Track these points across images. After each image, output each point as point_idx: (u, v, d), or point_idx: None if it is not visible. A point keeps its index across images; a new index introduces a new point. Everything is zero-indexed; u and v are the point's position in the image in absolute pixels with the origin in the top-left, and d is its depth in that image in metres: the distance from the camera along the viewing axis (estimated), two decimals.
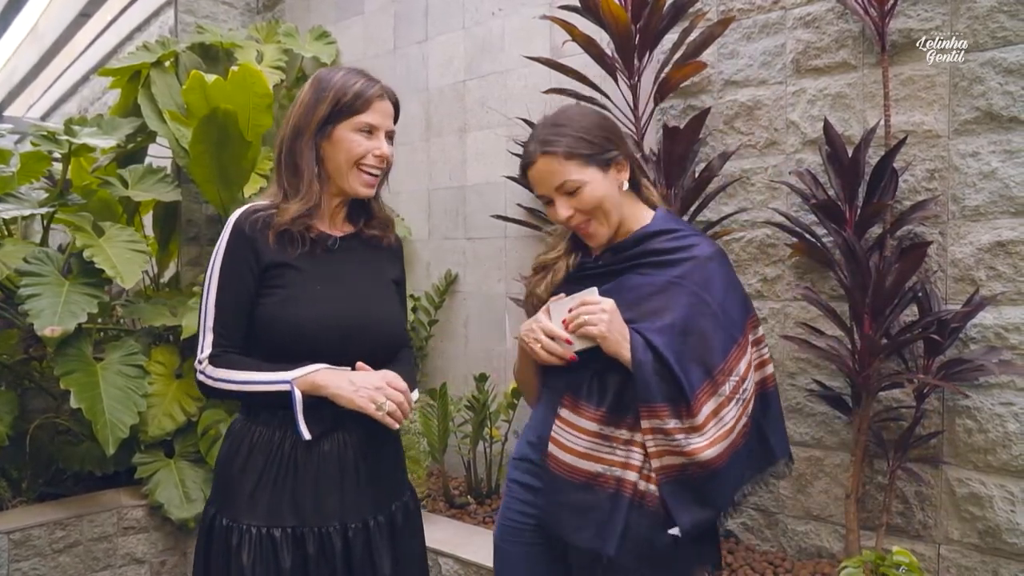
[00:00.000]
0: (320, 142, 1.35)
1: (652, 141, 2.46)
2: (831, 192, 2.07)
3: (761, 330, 1.35)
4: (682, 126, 2.19)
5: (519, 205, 2.84)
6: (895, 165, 1.97)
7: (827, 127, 2.03)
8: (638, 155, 2.24)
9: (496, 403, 2.78)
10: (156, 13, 3.97)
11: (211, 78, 2.79)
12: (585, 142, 1.26)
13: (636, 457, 1.20)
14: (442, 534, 2.48)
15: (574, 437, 1.25)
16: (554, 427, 1.27)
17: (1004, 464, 1.89)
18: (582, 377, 1.26)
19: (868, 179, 1.97)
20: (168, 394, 2.79)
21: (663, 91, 2.24)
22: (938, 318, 1.87)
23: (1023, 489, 1.87)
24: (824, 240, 2.07)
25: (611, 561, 1.19)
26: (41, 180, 3.23)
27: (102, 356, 2.60)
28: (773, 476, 1.44)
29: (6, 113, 6.87)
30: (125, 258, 2.58)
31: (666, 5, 2.15)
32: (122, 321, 3.20)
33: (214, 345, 1.32)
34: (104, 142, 2.81)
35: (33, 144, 2.76)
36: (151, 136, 3.20)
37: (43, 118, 6.05)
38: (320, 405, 1.28)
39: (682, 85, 2.33)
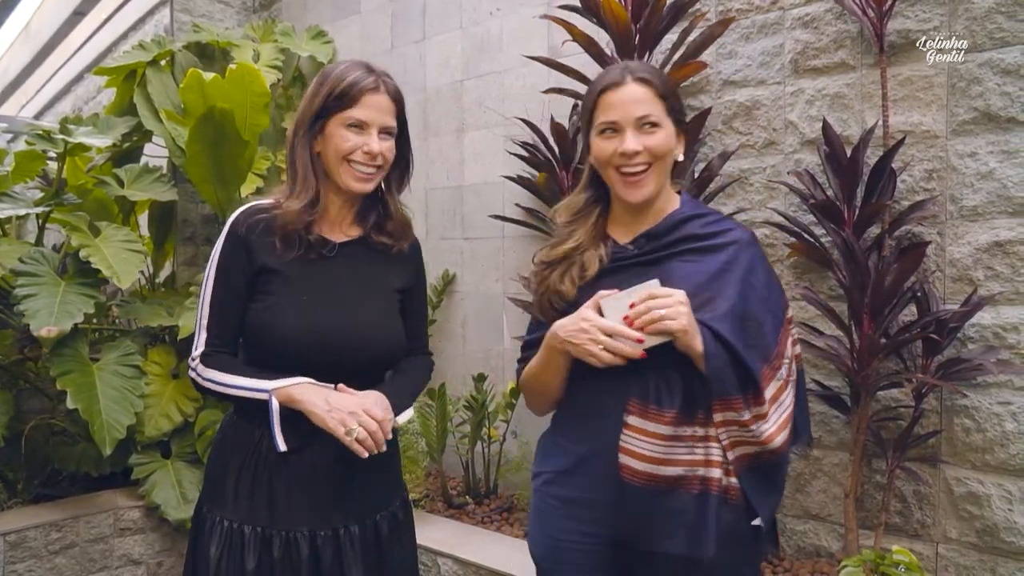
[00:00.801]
0: (316, 136, 1.32)
1: None
2: (830, 192, 2.08)
3: (791, 310, 1.34)
4: None
5: (517, 205, 2.84)
6: (893, 165, 1.98)
7: (826, 127, 2.04)
8: None
9: (494, 403, 2.78)
10: (151, 12, 3.96)
11: (209, 76, 2.78)
12: (675, 96, 1.26)
13: (715, 453, 1.16)
14: (441, 534, 2.47)
15: (649, 444, 1.17)
16: (623, 437, 1.18)
17: (1002, 463, 1.90)
18: (644, 379, 1.19)
19: (866, 179, 1.97)
20: (165, 394, 2.78)
21: None
22: (937, 318, 1.88)
23: (1020, 488, 1.88)
24: (823, 240, 2.07)
25: (708, 563, 1.14)
26: (35, 179, 3.21)
27: (98, 356, 2.58)
28: (794, 453, 1.43)
29: None
30: (122, 258, 2.57)
31: (666, 5, 2.16)
32: (117, 321, 3.19)
33: (207, 344, 1.33)
34: (100, 141, 2.79)
35: (28, 143, 2.74)
36: (147, 135, 3.18)
37: (36, 117, 6.02)
38: (299, 418, 1.26)
39: (682, 85, 2.33)
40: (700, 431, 1.17)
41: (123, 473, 2.77)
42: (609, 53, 2.27)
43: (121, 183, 2.99)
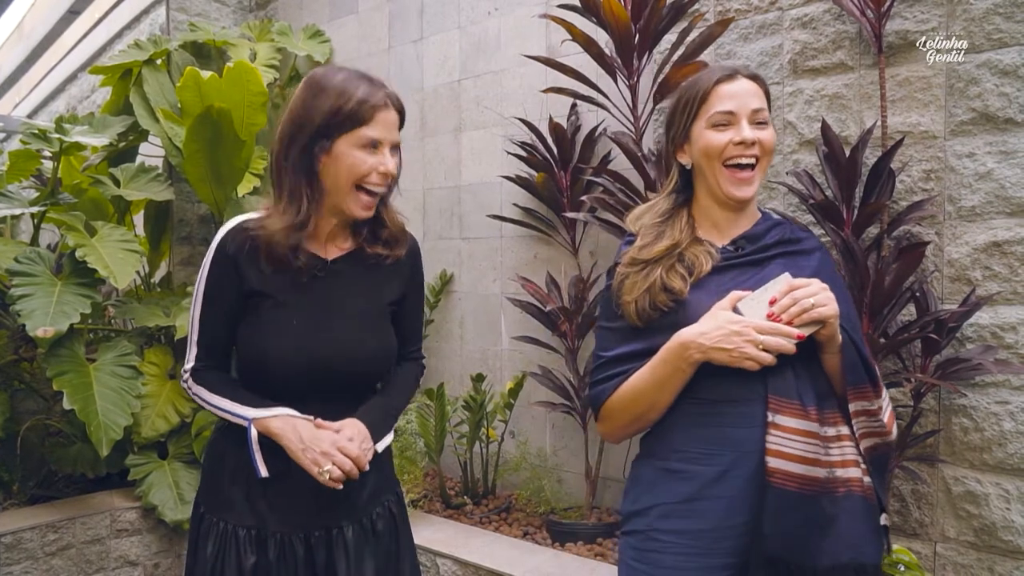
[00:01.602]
0: (318, 155, 1.24)
1: (651, 141, 2.46)
2: (828, 192, 2.08)
3: None
4: None
5: (515, 205, 2.84)
6: (892, 166, 1.98)
7: (824, 128, 2.04)
8: (638, 155, 2.24)
9: (492, 404, 2.78)
10: (147, 10, 3.94)
11: (206, 75, 2.77)
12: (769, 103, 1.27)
13: (849, 451, 1.13)
14: (440, 535, 2.47)
15: (802, 442, 1.10)
16: (771, 439, 1.10)
17: (1000, 462, 1.91)
18: (783, 376, 1.14)
19: (865, 179, 1.98)
20: (162, 395, 2.77)
21: (663, 91, 2.24)
22: (935, 318, 1.88)
23: (1018, 487, 1.88)
24: (822, 240, 2.07)
25: (872, 569, 1.10)
26: (31, 179, 3.20)
27: (94, 357, 2.57)
28: None
29: None
30: (118, 258, 2.56)
31: (666, 5, 2.16)
32: (114, 321, 3.17)
33: (197, 359, 1.34)
34: (96, 140, 2.78)
35: (23, 142, 2.73)
36: (143, 135, 3.17)
37: (30, 116, 5.98)
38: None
39: (681, 85, 2.33)
40: (831, 430, 1.13)
41: (119, 474, 2.76)
42: (608, 53, 2.27)
43: (117, 183, 2.98)
